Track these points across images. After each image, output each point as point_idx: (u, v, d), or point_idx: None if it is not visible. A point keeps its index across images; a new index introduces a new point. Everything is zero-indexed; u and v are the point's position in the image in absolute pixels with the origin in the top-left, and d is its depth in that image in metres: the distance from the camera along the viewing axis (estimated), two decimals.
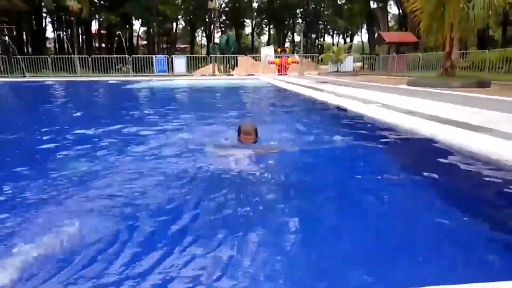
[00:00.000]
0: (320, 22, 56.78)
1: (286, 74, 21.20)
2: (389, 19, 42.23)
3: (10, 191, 2.65)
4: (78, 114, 7.77)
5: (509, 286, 1.08)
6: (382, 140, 4.23)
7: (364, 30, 54.77)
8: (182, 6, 44.90)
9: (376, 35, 33.04)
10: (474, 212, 2.30)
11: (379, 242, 1.93)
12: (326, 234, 2.04)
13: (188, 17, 49.29)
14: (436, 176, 2.85)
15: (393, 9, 46.57)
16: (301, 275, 1.63)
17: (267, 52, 23.82)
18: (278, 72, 21.98)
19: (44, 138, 4.75)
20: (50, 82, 16.90)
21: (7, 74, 20.65)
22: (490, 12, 10.67)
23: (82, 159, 3.64)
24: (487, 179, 2.70)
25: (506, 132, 3.61)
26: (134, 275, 1.58)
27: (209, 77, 21.05)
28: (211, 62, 23.91)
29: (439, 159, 3.26)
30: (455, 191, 2.76)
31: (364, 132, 4.84)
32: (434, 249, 1.84)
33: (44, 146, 4.35)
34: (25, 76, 20.46)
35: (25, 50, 34.37)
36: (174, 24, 50.36)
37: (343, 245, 1.90)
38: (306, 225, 2.10)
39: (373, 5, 38.49)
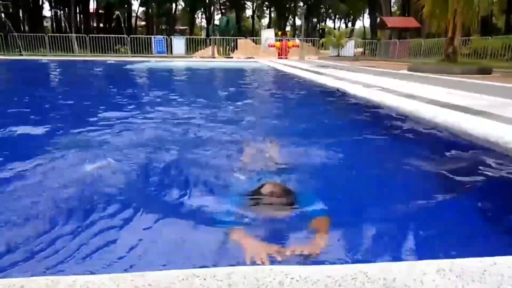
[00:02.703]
0: (321, 6, 55.86)
1: (286, 58, 20.97)
2: (391, 4, 41.54)
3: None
4: (83, 93, 7.69)
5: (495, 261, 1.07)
6: (381, 122, 4.21)
7: (366, 15, 54.06)
8: None
9: (378, 20, 32.55)
10: (455, 184, 2.31)
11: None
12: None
13: None
14: (429, 155, 2.87)
15: None
16: None
17: (268, 35, 23.49)
18: (278, 55, 21.73)
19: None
20: (45, 61, 16.64)
21: (3, 52, 20.34)
22: None
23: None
24: (482, 161, 2.69)
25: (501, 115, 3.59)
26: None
27: (208, 59, 20.80)
28: (210, 44, 23.60)
29: (439, 141, 3.27)
30: (443, 168, 2.75)
31: (363, 114, 4.81)
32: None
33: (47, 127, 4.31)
34: (22, 55, 20.15)
35: (22, 28, 33.79)
36: (174, 5, 49.48)
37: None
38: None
39: None
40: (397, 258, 1.53)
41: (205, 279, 0.96)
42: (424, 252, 1.62)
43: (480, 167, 2.52)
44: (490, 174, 2.45)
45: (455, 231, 1.81)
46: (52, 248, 1.54)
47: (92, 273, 1.29)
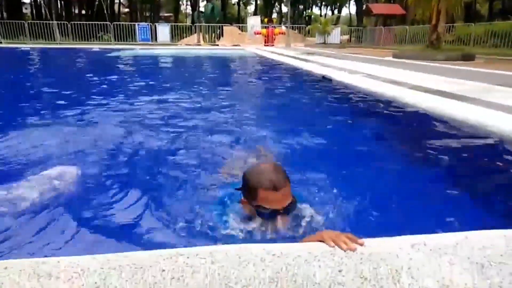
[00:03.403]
0: None
1: (272, 45, 20.87)
2: None
3: None
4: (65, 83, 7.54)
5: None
6: (365, 107, 4.27)
7: (352, 2, 53.93)
8: None
9: (364, 7, 32.56)
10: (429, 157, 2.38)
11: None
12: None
13: None
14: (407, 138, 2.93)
15: None
16: None
17: (254, 22, 23.29)
18: (265, 43, 21.61)
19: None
20: (27, 49, 16.18)
21: None
22: None
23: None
24: (462, 141, 2.78)
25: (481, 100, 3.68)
26: None
27: (194, 46, 20.53)
28: (196, 32, 23.28)
29: (422, 125, 3.36)
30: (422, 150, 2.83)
31: (349, 100, 4.86)
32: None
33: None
34: (1, 42, 19.57)
35: (0, 15, 32.70)
36: None
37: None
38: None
39: None
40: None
41: (188, 257, 0.99)
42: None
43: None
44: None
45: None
46: (36, 232, 1.54)
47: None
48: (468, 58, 10.31)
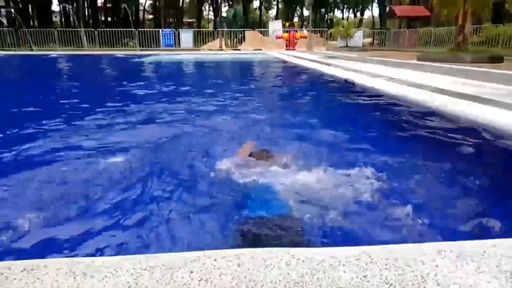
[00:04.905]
0: None
1: (294, 49, 20.86)
2: None
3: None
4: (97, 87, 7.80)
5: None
6: (388, 111, 4.22)
7: (375, 4, 53.29)
8: None
9: (387, 9, 32.11)
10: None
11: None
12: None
13: None
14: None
15: None
16: None
17: (275, 26, 23.35)
18: (286, 47, 21.62)
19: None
20: (55, 55, 16.80)
21: (14, 47, 20.61)
22: None
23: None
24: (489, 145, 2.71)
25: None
26: None
27: (216, 51, 20.80)
28: (218, 37, 23.57)
29: (443, 129, 3.29)
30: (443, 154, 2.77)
31: (372, 104, 4.81)
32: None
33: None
34: (32, 50, 20.40)
35: (31, 23, 34.11)
36: None
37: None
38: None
39: None
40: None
41: (215, 259, 1.02)
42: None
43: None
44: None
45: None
46: (69, 233, 1.62)
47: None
48: (496, 60, 9.98)
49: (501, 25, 16.59)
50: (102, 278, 0.97)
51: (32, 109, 5.03)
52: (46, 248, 1.51)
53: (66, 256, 1.10)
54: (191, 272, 0.98)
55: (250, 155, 2.50)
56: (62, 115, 4.46)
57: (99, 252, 1.46)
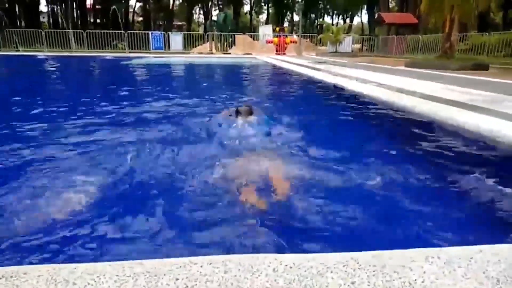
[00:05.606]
0: (319, 2, 55.71)
1: (284, 54, 20.95)
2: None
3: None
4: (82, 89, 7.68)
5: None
6: (375, 117, 4.25)
7: (364, 11, 53.98)
8: None
9: (376, 16, 32.51)
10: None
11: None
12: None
13: None
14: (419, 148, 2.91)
15: None
16: None
17: (266, 31, 23.45)
18: (276, 51, 21.71)
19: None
20: (43, 56, 16.53)
21: (0, 47, 20.24)
22: None
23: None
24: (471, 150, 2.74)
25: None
26: None
27: (206, 55, 20.75)
28: (208, 40, 23.53)
29: (427, 134, 3.33)
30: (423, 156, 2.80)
31: (360, 109, 4.85)
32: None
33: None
34: (19, 50, 20.06)
35: (18, 23, 33.59)
36: (171, 0, 49.26)
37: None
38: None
39: None
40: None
41: (201, 266, 1.00)
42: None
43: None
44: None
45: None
46: (53, 238, 1.58)
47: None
48: (481, 67, 10.19)
49: (487, 33, 16.96)
50: (84, 286, 0.94)
51: (15, 108, 4.93)
52: (25, 255, 1.47)
53: (47, 263, 1.07)
54: (177, 279, 0.96)
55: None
56: (44, 116, 4.39)
57: (81, 258, 1.42)
